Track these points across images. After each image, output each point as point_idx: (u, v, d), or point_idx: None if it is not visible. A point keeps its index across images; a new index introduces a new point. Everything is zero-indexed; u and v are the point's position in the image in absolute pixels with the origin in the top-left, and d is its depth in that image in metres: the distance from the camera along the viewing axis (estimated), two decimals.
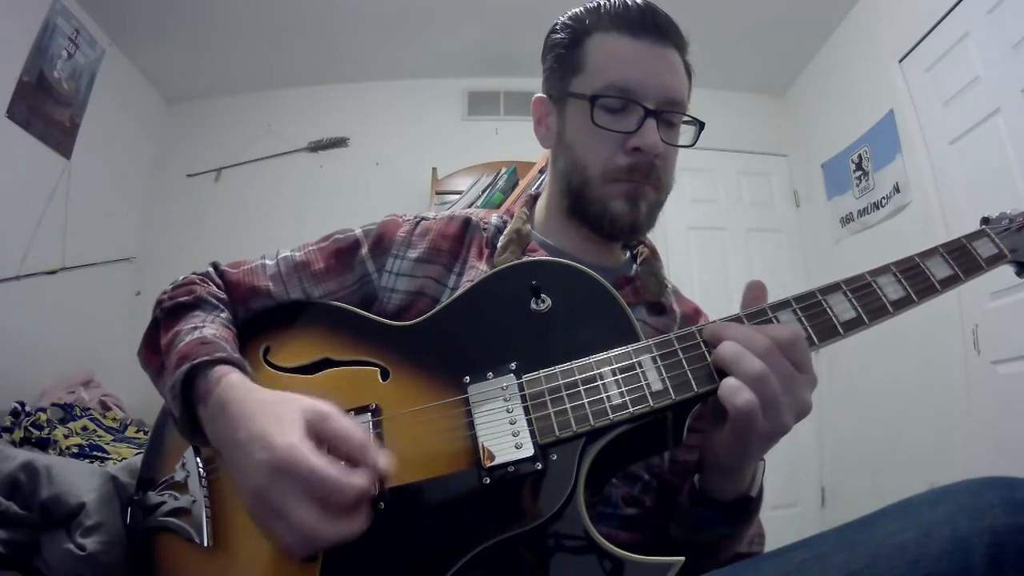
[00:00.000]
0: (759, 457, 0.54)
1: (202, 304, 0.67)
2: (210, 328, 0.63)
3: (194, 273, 0.73)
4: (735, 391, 0.48)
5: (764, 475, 0.59)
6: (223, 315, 0.68)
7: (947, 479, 0.46)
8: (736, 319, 0.55)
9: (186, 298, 0.67)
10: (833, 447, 2.77)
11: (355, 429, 0.49)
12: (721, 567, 0.52)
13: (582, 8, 0.73)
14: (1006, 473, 0.44)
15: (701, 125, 0.73)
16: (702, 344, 0.54)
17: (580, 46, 0.71)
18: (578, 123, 0.71)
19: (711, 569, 0.52)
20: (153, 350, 0.65)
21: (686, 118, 0.72)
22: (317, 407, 0.49)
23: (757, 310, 0.56)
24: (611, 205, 0.69)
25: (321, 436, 0.48)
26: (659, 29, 0.70)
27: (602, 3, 0.71)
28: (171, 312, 0.66)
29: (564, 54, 0.73)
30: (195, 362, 0.56)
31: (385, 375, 0.60)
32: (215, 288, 0.71)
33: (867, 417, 2.38)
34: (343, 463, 0.47)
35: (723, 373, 0.50)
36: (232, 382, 0.55)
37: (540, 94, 0.78)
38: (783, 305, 0.56)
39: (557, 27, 0.75)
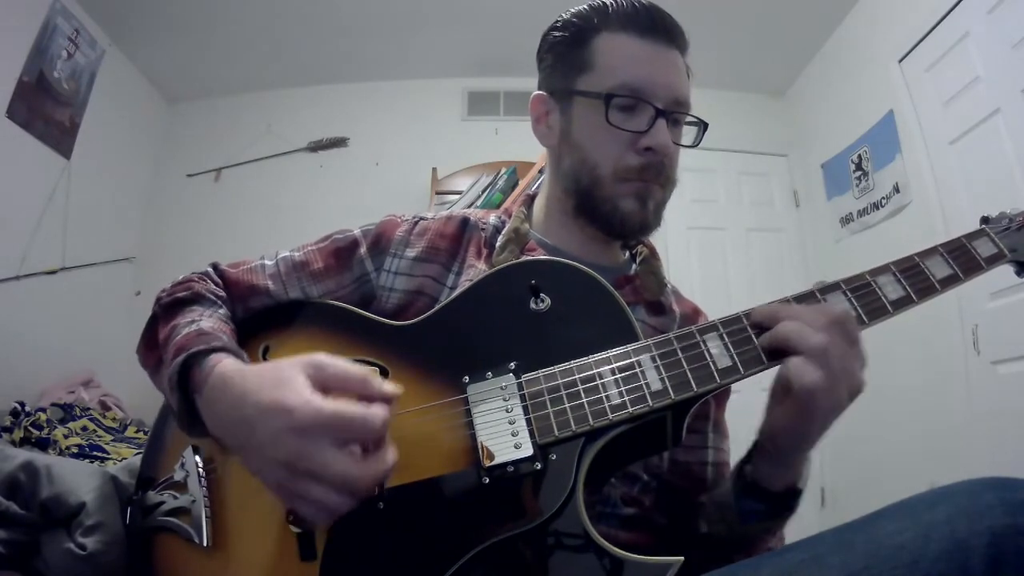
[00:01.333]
0: (819, 437, 0.54)
1: (200, 299, 0.67)
2: (208, 321, 0.63)
3: (193, 273, 0.73)
4: (803, 369, 0.49)
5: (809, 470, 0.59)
6: (221, 311, 0.68)
7: (947, 479, 0.46)
8: (736, 318, 0.55)
9: (184, 293, 0.67)
10: (833, 447, 2.77)
11: (353, 367, 0.49)
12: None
13: (586, 7, 0.73)
14: (1006, 473, 0.43)
15: (705, 125, 0.74)
16: (701, 344, 0.54)
17: (586, 44, 0.71)
18: (587, 122, 0.71)
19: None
20: (151, 346, 0.66)
21: (690, 118, 0.73)
22: (311, 359, 0.50)
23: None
24: (621, 204, 0.69)
25: (325, 384, 0.48)
26: (667, 31, 0.70)
27: (609, 3, 0.71)
28: (169, 307, 0.66)
29: (568, 52, 0.73)
30: (191, 351, 0.56)
31: (384, 375, 0.60)
32: (213, 286, 0.71)
33: (867, 417, 2.37)
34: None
35: (775, 354, 0.51)
36: (227, 366, 0.54)
37: (539, 91, 0.77)
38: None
39: (558, 24, 0.75)
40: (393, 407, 0.49)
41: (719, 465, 0.75)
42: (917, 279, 0.56)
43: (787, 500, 0.58)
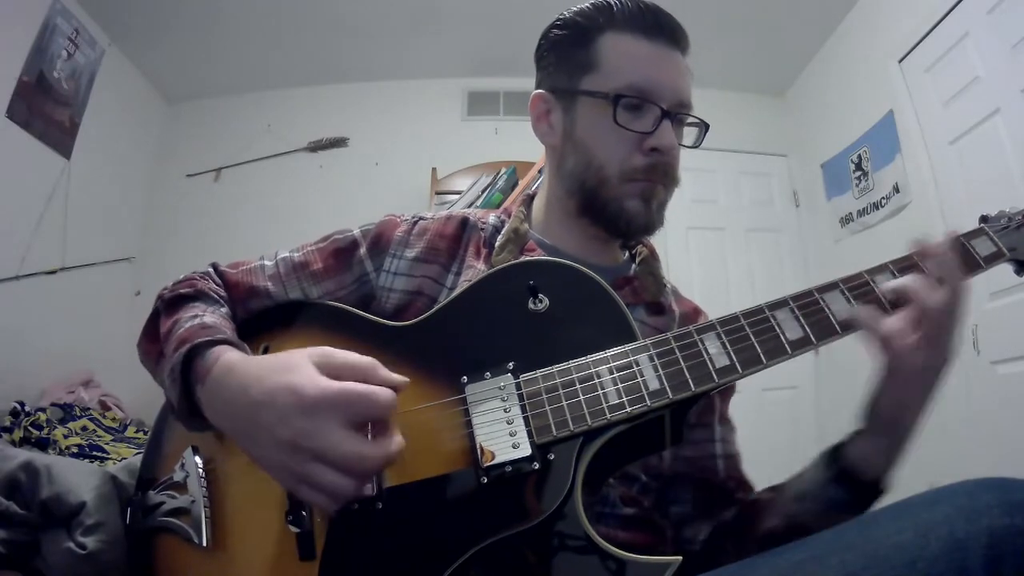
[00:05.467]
0: (919, 406, 0.54)
1: (203, 296, 0.68)
2: (210, 317, 0.63)
3: (194, 272, 0.73)
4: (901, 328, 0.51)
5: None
6: (223, 309, 0.68)
7: (946, 479, 0.46)
8: (734, 317, 0.56)
9: (187, 290, 0.68)
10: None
11: (359, 356, 0.50)
12: None
13: (589, 5, 0.72)
14: (1005, 474, 0.44)
15: (706, 127, 0.74)
16: (699, 343, 0.54)
17: (590, 44, 0.71)
18: (593, 122, 0.70)
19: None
20: (152, 339, 0.66)
21: (691, 119, 0.73)
22: (319, 349, 0.51)
23: (754, 309, 0.56)
24: (627, 204, 0.69)
25: (332, 372, 0.49)
26: (671, 32, 0.70)
27: (613, 3, 0.70)
28: (171, 303, 0.67)
29: (571, 51, 0.73)
30: (195, 343, 0.57)
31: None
32: (215, 285, 0.72)
33: None
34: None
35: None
36: (231, 358, 0.55)
37: (540, 90, 0.77)
38: (780, 304, 0.56)
39: (559, 23, 0.74)
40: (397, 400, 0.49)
41: (729, 457, 0.75)
42: None
43: (868, 498, 0.57)
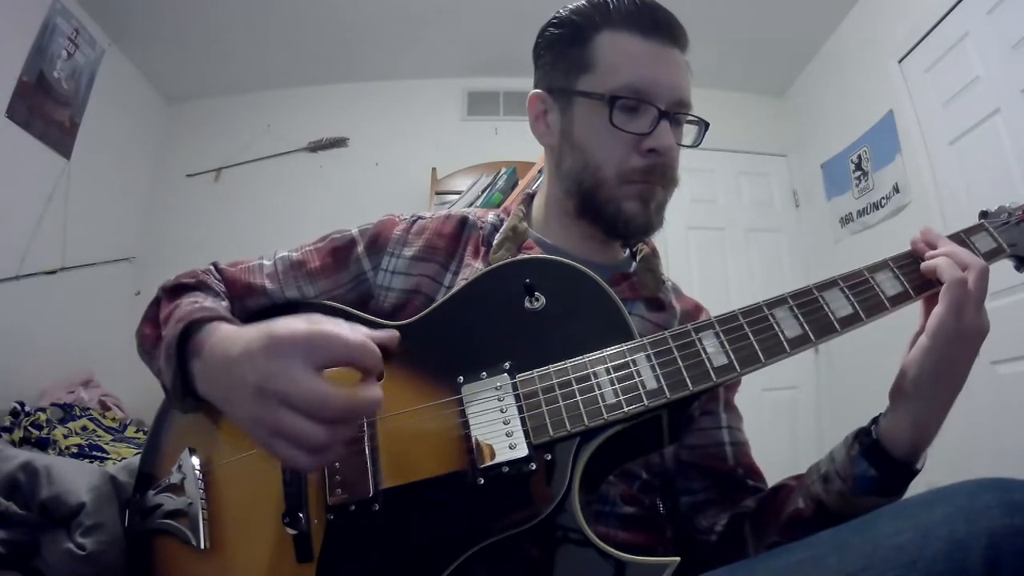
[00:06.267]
0: (950, 374, 0.54)
1: (204, 287, 0.69)
2: (211, 302, 0.64)
3: (196, 269, 0.74)
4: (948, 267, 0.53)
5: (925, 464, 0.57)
6: (223, 302, 0.69)
7: (946, 479, 0.45)
8: (732, 316, 0.55)
9: (190, 280, 0.69)
10: (833, 446, 2.76)
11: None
12: None
13: (585, 3, 0.71)
14: (1005, 474, 0.44)
15: (706, 125, 0.73)
16: (697, 342, 0.54)
17: (587, 43, 0.70)
18: (590, 122, 0.70)
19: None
20: (152, 324, 0.66)
21: (691, 118, 0.72)
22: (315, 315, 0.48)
23: (753, 307, 0.56)
24: (625, 206, 0.69)
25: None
26: (669, 29, 0.69)
27: (609, 0, 0.70)
28: (173, 290, 0.67)
29: (567, 50, 0.72)
30: (193, 319, 0.57)
31: (379, 375, 0.59)
32: (215, 280, 0.72)
33: (867, 416, 2.38)
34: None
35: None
36: (228, 328, 0.55)
37: (537, 90, 0.76)
38: (780, 302, 0.56)
39: (556, 21, 0.74)
40: (386, 416, 0.47)
41: (737, 445, 0.75)
42: (915, 275, 0.56)
43: (899, 478, 0.55)
